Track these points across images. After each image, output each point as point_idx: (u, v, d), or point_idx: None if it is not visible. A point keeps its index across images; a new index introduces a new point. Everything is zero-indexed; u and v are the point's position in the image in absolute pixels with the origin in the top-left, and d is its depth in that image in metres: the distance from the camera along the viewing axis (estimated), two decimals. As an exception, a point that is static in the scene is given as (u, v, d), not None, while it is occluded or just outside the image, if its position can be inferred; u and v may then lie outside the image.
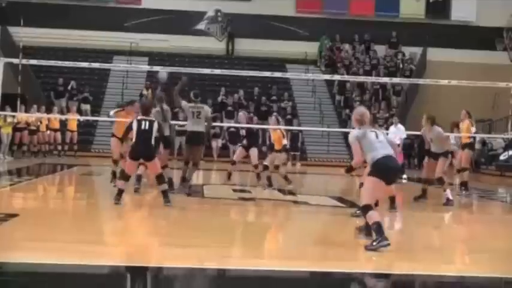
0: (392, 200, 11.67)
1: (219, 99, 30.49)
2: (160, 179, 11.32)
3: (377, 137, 8.53)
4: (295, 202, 13.39)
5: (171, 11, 33.26)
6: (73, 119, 25.71)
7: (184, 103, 13.60)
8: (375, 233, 8.09)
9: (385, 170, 8.40)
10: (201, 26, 33.50)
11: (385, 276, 7.33)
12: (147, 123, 11.34)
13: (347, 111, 31.43)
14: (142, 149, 11.29)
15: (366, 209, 8.29)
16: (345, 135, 29.39)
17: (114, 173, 14.18)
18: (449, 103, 29.86)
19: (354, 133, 8.65)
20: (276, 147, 15.91)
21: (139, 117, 11.48)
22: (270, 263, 7.63)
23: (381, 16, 34.91)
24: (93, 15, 32.98)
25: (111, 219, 10.78)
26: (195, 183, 17.56)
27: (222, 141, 28.60)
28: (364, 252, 7.99)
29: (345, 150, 29.17)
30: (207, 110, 13.92)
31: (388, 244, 7.96)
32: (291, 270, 7.21)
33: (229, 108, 30.04)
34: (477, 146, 29.57)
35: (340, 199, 14.21)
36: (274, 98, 30.96)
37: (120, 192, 11.24)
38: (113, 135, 14.47)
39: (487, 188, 19.95)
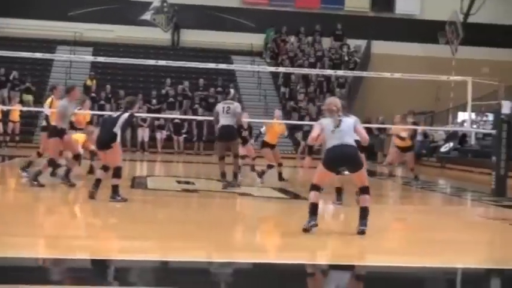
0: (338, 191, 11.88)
1: (164, 90, 30.28)
2: (116, 171, 11.11)
3: (337, 126, 8.80)
4: (239, 194, 13.40)
5: (117, 1, 32.95)
6: (15, 110, 25.25)
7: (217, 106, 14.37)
8: (308, 212, 8.64)
9: (328, 159, 8.80)
10: (147, 16, 33.30)
11: (331, 266, 7.42)
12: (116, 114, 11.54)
13: (291, 103, 31.58)
14: (101, 139, 11.28)
15: (312, 187, 8.80)
16: (290, 127, 29.54)
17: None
18: (393, 95, 30.27)
19: (320, 120, 9.16)
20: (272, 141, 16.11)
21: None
22: (214, 255, 7.65)
23: (326, 9, 35.12)
24: (37, 4, 32.48)
25: (50, 211, 10.68)
26: (140, 174, 17.49)
27: (166, 133, 28.46)
28: (309, 242, 8.08)
29: (289, 142, 29.28)
30: (236, 105, 13.99)
31: (316, 225, 8.56)
32: (235, 262, 7.26)
33: (171, 99, 29.75)
34: (419, 137, 30.00)
35: (283, 190, 14.27)
36: (219, 89, 30.89)
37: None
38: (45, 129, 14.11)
39: (428, 180, 20.25)
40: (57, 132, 12.53)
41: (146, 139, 27.85)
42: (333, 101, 9.17)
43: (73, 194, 12.46)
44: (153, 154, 26.97)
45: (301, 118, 29.73)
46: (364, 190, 8.95)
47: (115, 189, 11.03)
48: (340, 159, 8.85)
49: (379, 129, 27.11)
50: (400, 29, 33.97)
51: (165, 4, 33.35)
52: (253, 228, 9.72)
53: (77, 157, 13.17)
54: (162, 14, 33.48)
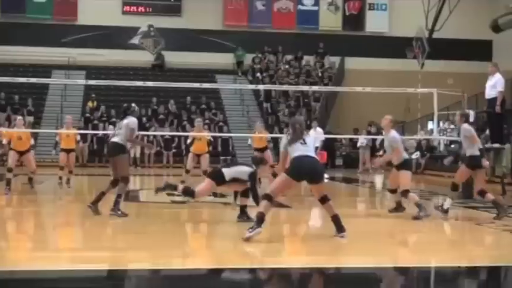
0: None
1: (150, 109, 30.39)
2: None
3: (303, 142, 8.78)
4: (225, 204, 13.39)
5: (107, 27, 32.90)
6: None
7: None
8: (255, 221, 8.52)
9: (295, 168, 8.66)
10: (135, 40, 33.26)
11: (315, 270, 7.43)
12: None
13: (273, 117, 31.66)
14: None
15: (264, 196, 8.68)
16: (273, 140, 29.61)
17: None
18: (366, 107, 30.40)
19: (283, 140, 9.07)
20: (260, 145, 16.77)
21: None
22: (204, 262, 7.65)
23: (302, 29, 35.28)
24: (32, 31, 32.41)
25: (47, 224, 10.64)
26: (133, 188, 17.46)
27: (157, 148, 28.40)
28: (283, 246, 8.08)
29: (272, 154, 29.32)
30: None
31: (260, 231, 8.41)
32: (225, 268, 7.27)
33: (161, 116, 29.94)
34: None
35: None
36: (203, 107, 30.94)
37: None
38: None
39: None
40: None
41: (138, 155, 27.78)
42: (296, 121, 9.18)
43: (68, 208, 12.41)
44: (144, 169, 26.91)
45: (281, 131, 29.77)
46: (325, 199, 8.87)
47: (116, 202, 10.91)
48: (306, 167, 8.73)
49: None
50: (370, 45, 34.18)
51: (151, 29, 33.35)
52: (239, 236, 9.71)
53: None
54: (149, 38, 33.47)
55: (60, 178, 16.72)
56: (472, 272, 7.46)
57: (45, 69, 31.17)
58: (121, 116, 11.76)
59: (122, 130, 11.21)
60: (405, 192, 11.39)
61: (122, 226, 10.26)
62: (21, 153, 15.21)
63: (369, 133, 28.36)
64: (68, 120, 16.89)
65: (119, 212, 10.82)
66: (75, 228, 10.52)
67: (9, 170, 14.94)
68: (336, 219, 8.87)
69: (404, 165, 11.60)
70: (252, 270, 7.25)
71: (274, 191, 8.72)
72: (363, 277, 7.15)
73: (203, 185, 10.64)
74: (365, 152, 27.90)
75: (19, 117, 16.59)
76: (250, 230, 8.43)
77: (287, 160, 8.92)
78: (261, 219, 8.48)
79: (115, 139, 11.27)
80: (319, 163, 9.00)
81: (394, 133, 11.74)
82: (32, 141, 16.05)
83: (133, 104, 11.73)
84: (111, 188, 11.09)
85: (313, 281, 7.08)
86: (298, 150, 8.76)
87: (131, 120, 11.26)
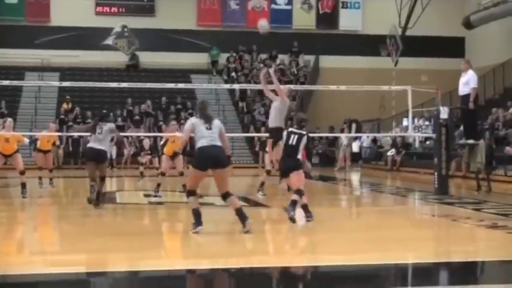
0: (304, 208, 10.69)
1: (125, 110, 30.24)
2: None
3: (209, 128, 9.15)
4: (202, 204, 13.35)
5: (80, 28, 32.70)
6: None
7: None
8: (193, 218, 9.01)
9: (198, 159, 9.15)
10: (109, 41, 33.12)
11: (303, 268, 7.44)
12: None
13: (249, 116, 31.68)
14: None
15: (189, 193, 9.21)
16: (247, 139, 29.64)
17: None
18: (341, 105, 30.56)
19: (191, 120, 9.51)
20: None
21: None
22: (183, 262, 7.63)
23: (277, 28, 35.24)
24: (4, 33, 32.13)
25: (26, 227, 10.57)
26: (109, 190, 17.36)
27: (134, 149, 28.21)
28: (274, 246, 8.08)
29: (247, 153, 29.42)
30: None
31: (202, 228, 8.95)
32: (201, 269, 7.27)
33: (137, 117, 29.79)
34: (366, 143, 30.38)
35: (244, 199, 14.26)
36: (179, 107, 30.89)
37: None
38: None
39: (377, 182, 20.46)
40: None
41: (114, 156, 27.62)
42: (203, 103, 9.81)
43: (44, 207, 12.34)
44: (120, 170, 26.77)
45: (257, 130, 29.87)
46: (226, 195, 9.17)
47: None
48: (209, 159, 9.03)
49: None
50: (344, 44, 34.32)
51: (125, 29, 33.22)
52: (218, 235, 9.70)
53: None
54: (123, 39, 33.33)
55: (40, 178, 16.67)
56: (448, 267, 7.52)
57: (18, 71, 30.92)
58: (96, 122, 12.64)
59: (104, 136, 12.28)
60: None
61: (99, 227, 10.21)
62: (7, 156, 14.78)
63: (349, 131, 28.63)
64: (51, 127, 17.79)
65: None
66: (51, 231, 10.45)
67: None
68: (239, 212, 9.14)
69: None
70: (226, 270, 7.25)
71: (190, 185, 9.18)
72: (341, 275, 7.17)
73: None
74: (346, 150, 28.07)
75: (9, 119, 15.83)
76: (194, 227, 9.01)
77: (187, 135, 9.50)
78: (198, 214, 9.05)
79: (101, 146, 12.27)
80: (223, 151, 9.21)
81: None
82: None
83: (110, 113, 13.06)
84: (102, 184, 12.44)
85: (291, 280, 7.11)
86: (202, 137, 9.08)
87: (111, 125, 12.64)
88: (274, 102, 13.80)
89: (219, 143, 9.12)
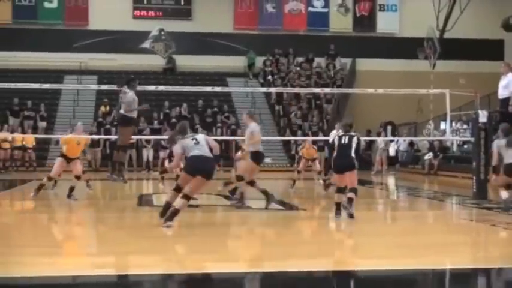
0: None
1: (162, 113, 30.46)
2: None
3: (197, 142, 10.14)
4: (236, 207, 13.39)
5: (118, 32, 33.03)
6: (29, 137, 26.36)
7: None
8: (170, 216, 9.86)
9: (190, 165, 10.11)
10: (146, 44, 33.32)
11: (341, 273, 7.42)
12: None
13: (285, 119, 31.67)
14: None
15: (175, 189, 10.30)
16: (284, 142, 29.62)
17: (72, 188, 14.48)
18: (378, 108, 30.45)
19: (179, 144, 10.43)
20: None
21: None
22: (226, 265, 7.67)
23: (313, 31, 35.27)
24: (43, 37, 32.62)
25: (63, 229, 10.69)
26: (146, 192, 17.49)
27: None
28: (308, 250, 8.06)
29: (284, 156, 29.41)
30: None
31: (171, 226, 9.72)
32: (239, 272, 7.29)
33: (174, 120, 29.91)
34: (403, 147, 30.17)
35: (281, 202, 14.28)
36: (215, 110, 31.01)
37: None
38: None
39: (414, 186, 20.30)
40: None
41: (151, 159, 27.87)
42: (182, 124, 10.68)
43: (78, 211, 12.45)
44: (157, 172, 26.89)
45: (293, 133, 29.87)
46: (185, 194, 9.99)
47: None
48: (198, 167, 9.99)
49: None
50: (381, 46, 34.16)
51: (162, 33, 33.41)
52: (256, 239, 9.72)
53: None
54: (161, 42, 33.54)
55: (87, 181, 16.71)
56: (488, 273, 7.44)
57: (57, 75, 31.33)
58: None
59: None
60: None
61: (135, 230, 10.30)
62: (70, 160, 14.75)
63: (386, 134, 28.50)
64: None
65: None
66: (88, 233, 10.56)
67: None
68: (169, 210, 10.02)
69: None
70: (266, 274, 7.25)
71: (179, 183, 10.22)
72: (379, 280, 7.14)
73: None
74: (382, 153, 27.95)
75: (79, 123, 15.88)
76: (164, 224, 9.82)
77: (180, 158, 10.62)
78: (168, 208, 10.05)
79: (121, 111, 12.90)
80: (212, 162, 10.25)
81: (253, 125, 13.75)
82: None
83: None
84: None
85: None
86: (193, 149, 10.10)
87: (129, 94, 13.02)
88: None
89: (209, 154, 10.14)
